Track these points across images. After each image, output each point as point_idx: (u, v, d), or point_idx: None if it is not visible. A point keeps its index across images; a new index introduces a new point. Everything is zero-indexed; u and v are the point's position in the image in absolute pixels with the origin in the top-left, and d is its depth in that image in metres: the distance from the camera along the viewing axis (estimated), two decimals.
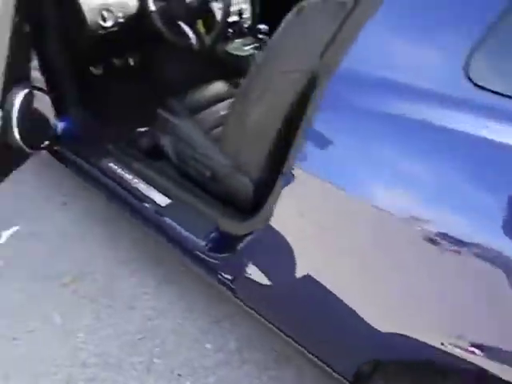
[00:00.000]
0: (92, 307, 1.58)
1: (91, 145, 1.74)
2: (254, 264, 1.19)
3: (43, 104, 1.54)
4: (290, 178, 0.99)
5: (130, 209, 1.58)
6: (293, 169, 0.98)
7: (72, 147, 1.74)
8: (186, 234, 1.39)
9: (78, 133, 1.75)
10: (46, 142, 1.57)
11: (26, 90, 1.43)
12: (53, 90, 1.59)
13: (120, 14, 1.59)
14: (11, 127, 1.40)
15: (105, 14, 1.56)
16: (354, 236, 0.94)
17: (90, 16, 1.53)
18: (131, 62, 2.00)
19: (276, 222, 1.07)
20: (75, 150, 1.74)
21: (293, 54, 1.10)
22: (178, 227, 1.41)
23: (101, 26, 1.56)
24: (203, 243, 1.33)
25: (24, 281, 1.65)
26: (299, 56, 1.10)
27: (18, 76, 1.42)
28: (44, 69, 1.55)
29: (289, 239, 1.05)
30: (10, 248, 1.77)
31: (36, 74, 1.54)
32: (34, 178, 2.03)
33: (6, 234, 1.82)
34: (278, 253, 1.11)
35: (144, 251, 1.78)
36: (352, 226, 0.94)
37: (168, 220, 1.44)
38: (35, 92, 1.48)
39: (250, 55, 1.91)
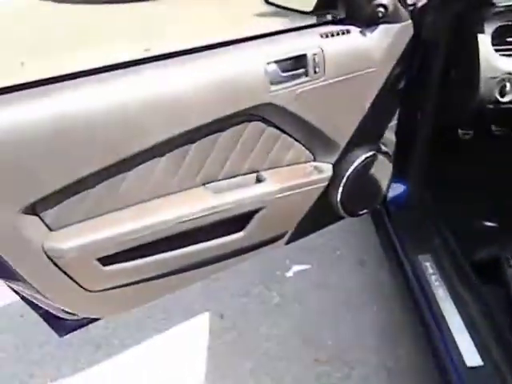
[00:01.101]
0: None
1: (417, 219, 1.45)
2: None
3: (381, 170, 1.28)
4: None
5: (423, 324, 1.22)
6: None
7: (395, 216, 1.48)
8: None
9: (406, 203, 1.47)
10: (365, 211, 1.33)
11: (369, 153, 1.21)
12: (400, 154, 1.32)
13: None
14: (337, 187, 1.21)
15: (507, 86, 1.15)
16: None
17: (485, 85, 1.16)
18: None
19: None
20: (396, 221, 1.47)
21: None
22: None
23: (495, 99, 1.17)
24: None
25: (284, 331, 1.54)
26: None
27: (368, 136, 1.20)
28: (400, 131, 1.28)
29: None
30: (292, 286, 1.69)
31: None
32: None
33: (296, 268, 1.75)
34: None
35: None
36: None
37: None
38: (379, 156, 1.23)
39: None
